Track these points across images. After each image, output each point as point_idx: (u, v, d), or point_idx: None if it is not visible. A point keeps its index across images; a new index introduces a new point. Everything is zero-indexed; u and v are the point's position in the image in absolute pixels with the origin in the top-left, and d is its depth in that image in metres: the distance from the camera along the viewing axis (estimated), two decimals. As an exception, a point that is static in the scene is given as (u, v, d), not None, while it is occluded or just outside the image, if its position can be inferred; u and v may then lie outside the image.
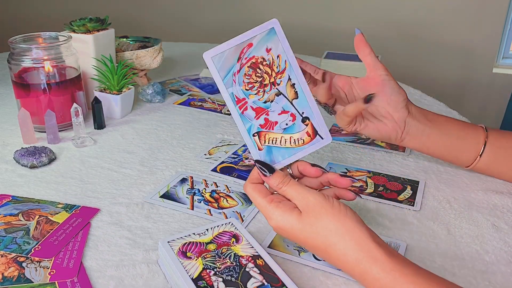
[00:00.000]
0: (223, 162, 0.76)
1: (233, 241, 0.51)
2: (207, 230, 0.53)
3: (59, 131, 0.84)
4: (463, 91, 2.15)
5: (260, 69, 0.51)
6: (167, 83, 1.14)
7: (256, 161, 0.52)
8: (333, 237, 0.46)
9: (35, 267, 0.51)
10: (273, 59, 0.51)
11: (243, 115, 0.51)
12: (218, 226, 0.54)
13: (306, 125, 0.53)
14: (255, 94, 0.51)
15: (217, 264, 0.48)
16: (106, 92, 0.91)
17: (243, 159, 0.77)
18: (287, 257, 0.54)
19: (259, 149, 0.52)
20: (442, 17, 2.04)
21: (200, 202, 0.64)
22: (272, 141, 0.52)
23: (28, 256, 0.53)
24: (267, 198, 0.50)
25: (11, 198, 0.65)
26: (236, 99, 0.51)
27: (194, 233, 0.52)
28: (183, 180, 0.70)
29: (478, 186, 0.69)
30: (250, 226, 0.60)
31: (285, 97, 0.52)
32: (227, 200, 0.65)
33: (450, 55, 2.10)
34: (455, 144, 0.66)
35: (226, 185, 0.69)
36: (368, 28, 2.18)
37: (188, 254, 0.49)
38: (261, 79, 0.51)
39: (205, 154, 0.79)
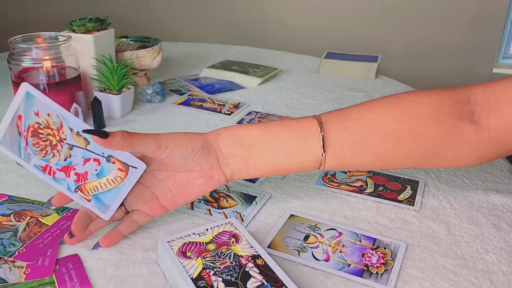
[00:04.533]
0: (223, 162, 0.76)
1: (233, 241, 0.51)
2: (207, 230, 0.53)
3: (59, 131, 0.84)
4: (463, 91, 2.15)
5: (42, 134, 0.52)
6: (167, 83, 1.13)
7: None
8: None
9: (9, 267, 0.51)
10: (46, 120, 0.51)
11: (56, 179, 0.53)
12: (218, 226, 0.54)
13: (113, 163, 0.53)
14: (53, 157, 0.52)
15: (217, 264, 0.48)
16: (106, 92, 0.91)
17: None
18: (287, 257, 0.54)
19: (88, 201, 0.53)
20: (442, 17, 2.04)
21: (200, 202, 0.64)
22: (94, 189, 0.53)
23: (11, 258, 0.52)
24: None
25: (7, 197, 0.64)
26: (42, 168, 0.53)
27: (194, 233, 0.52)
28: (183, 180, 0.70)
29: (478, 185, 0.69)
30: (250, 226, 0.60)
31: (79, 147, 0.52)
32: (227, 200, 0.65)
33: (450, 55, 2.10)
34: (292, 152, 0.56)
35: (226, 185, 0.69)
36: (368, 28, 2.19)
37: (188, 254, 0.49)
38: (48, 141, 0.52)
39: (205, 154, 0.79)
